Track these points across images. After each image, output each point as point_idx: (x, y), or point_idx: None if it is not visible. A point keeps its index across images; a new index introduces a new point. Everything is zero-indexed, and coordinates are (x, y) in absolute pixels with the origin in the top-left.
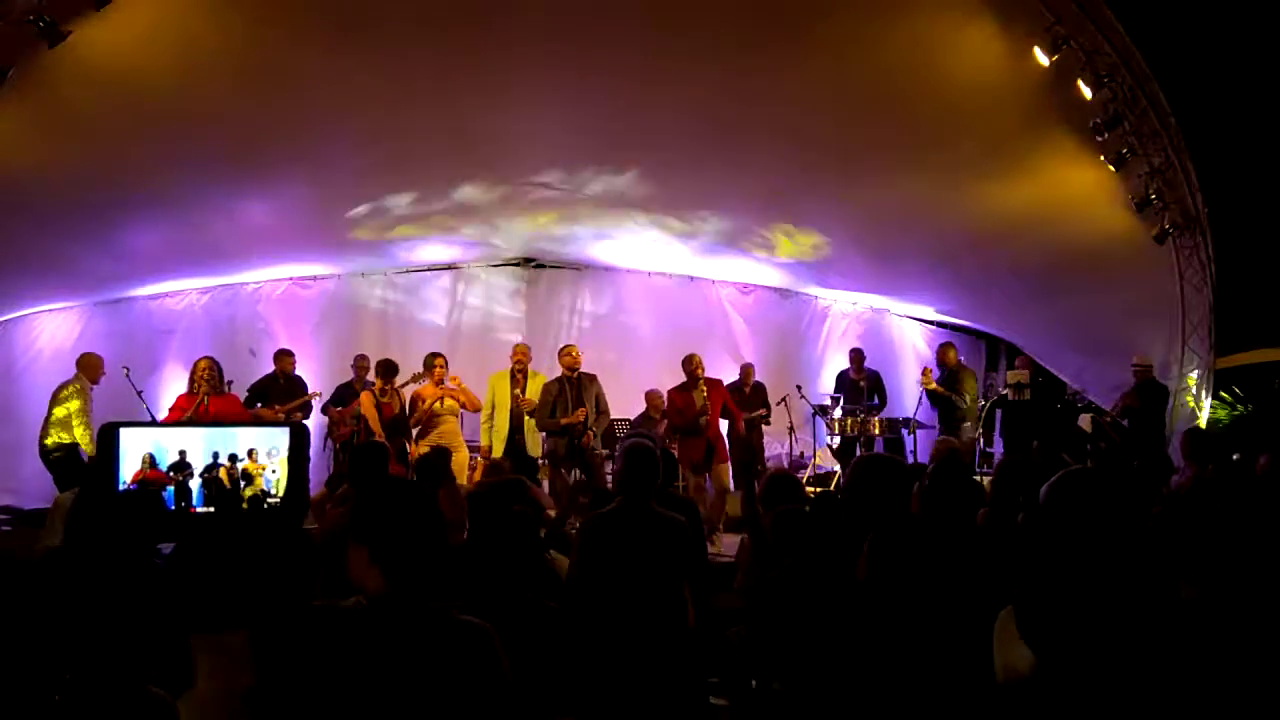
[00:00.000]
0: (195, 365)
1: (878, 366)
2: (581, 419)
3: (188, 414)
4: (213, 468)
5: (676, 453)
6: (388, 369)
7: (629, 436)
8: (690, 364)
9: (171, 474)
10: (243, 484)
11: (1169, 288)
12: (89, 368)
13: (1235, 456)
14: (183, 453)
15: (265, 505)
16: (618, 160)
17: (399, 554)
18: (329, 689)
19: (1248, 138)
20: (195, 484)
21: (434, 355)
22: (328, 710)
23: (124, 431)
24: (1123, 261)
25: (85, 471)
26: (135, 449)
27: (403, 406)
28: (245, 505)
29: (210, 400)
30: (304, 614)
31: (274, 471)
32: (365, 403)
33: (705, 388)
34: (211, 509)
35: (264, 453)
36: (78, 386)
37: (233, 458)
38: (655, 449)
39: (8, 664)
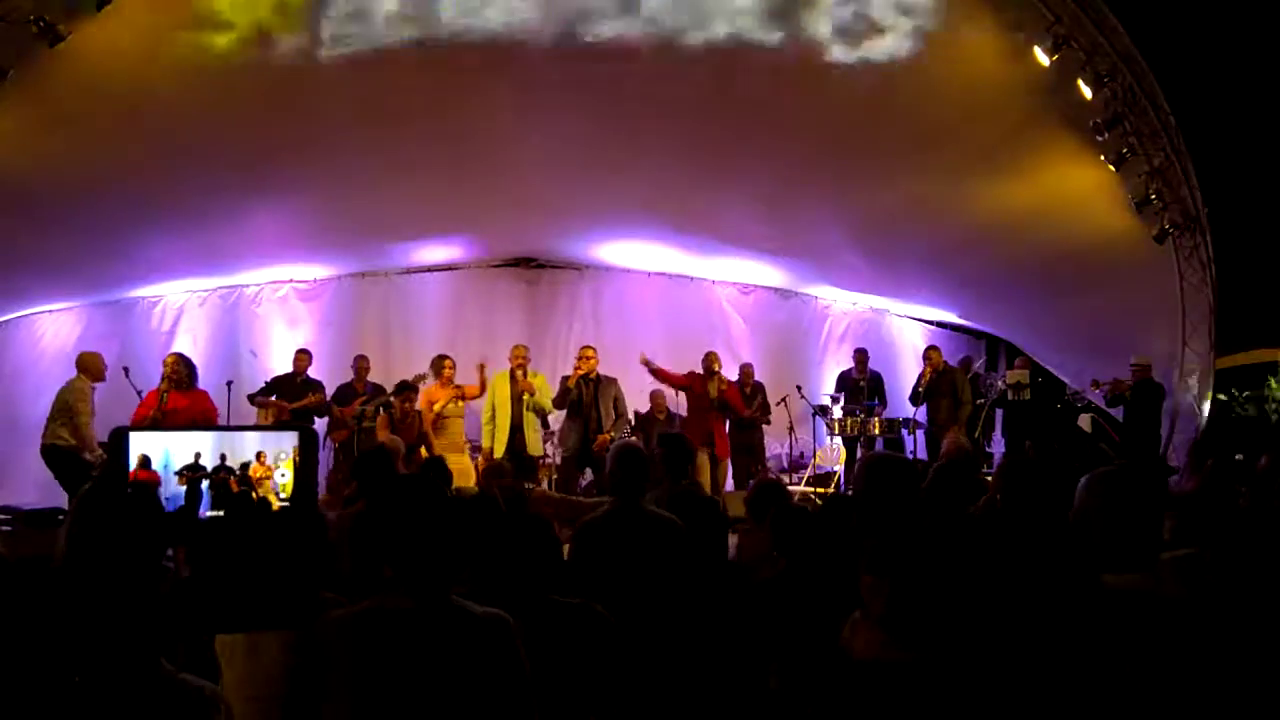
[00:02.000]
0: (164, 362)
1: (878, 366)
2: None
3: (152, 410)
4: (218, 470)
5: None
6: (404, 387)
7: (620, 439)
8: (708, 359)
9: (186, 473)
10: (253, 490)
11: (1169, 288)
12: (91, 368)
13: (1238, 457)
14: (197, 455)
15: (274, 507)
16: (615, 165)
17: (415, 553)
18: (352, 688)
19: (1248, 138)
20: (204, 486)
21: (442, 357)
22: (352, 708)
23: (133, 435)
24: (1123, 261)
25: (89, 473)
26: (143, 451)
27: (421, 430)
28: (254, 508)
29: (170, 396)
30: (323, 614)
31: (283, 475)
32: (382, 433)
33: (721, 383)
34: (219, 512)
35: (271, 456)
36: (80, 386)
37: (244, 466)
38: (644, 451)
39: (18, 666)
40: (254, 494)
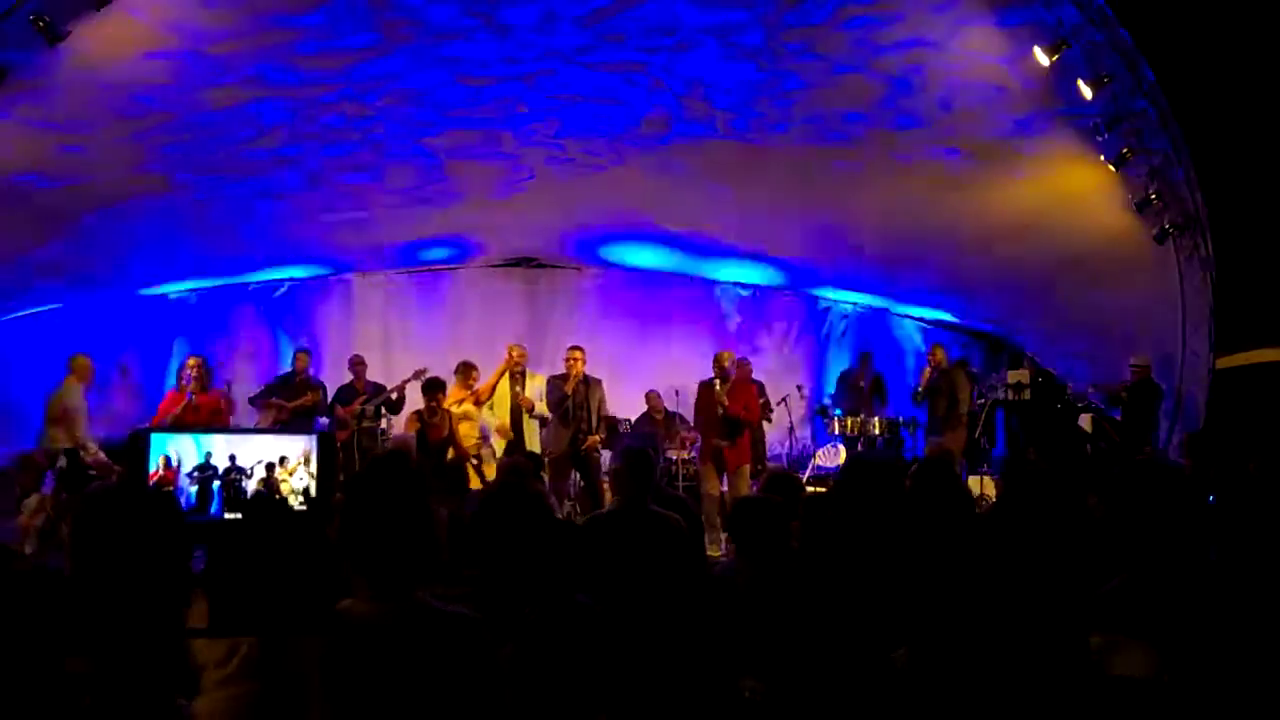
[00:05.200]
0: (184, 363)
1: (878, 366)
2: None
3: (175, 410)
4: (229, 472)
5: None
6: (433, 385)
7: (628, 438)
8: (716, 360)
9: (197, 473)
10: (275, 493)
11: (1169, 288)
12: (80, 370)
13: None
14: (208, 455)
15: (294, 510)
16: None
17: (379, 557)
18: (328, 690)
19: (1248, 138)
20: (215, 487)
21: (470, 366)
22: (328, 710)
23: (153, 437)
24: (1123, 261)
25: (87, 474)
26: (160, 454)
27: (451, 430)
28: (276, 510)
29: (196, 396)
30: (315, 618)
31: (300, 479)
32: (411, 426)
33: (729, 385)
34: (234, 514)
35: (291, 458)
36: (72, 388)
37: (269, 468)
38: (652, 451)
39: (28, 676)
40: (276, 495)
